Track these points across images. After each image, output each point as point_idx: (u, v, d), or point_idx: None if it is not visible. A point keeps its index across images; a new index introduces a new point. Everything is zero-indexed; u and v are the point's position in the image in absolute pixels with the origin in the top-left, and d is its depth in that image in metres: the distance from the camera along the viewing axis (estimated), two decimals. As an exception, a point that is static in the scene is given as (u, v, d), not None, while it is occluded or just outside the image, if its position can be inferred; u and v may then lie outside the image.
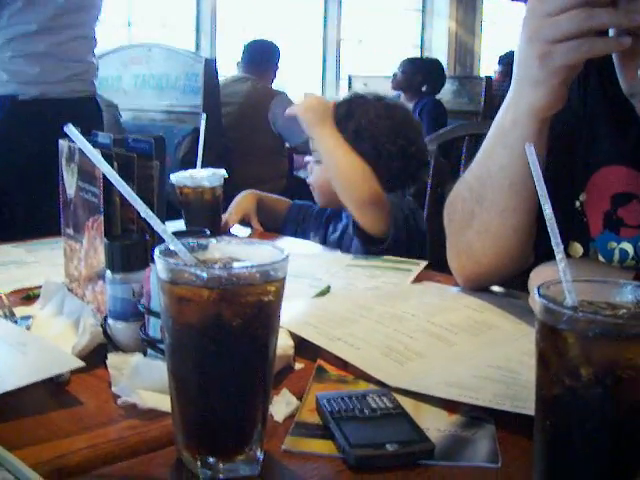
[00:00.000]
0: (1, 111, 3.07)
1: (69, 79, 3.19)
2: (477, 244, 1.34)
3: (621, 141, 1.29)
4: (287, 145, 4.84)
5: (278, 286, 0.75)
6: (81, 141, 0.82)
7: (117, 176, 0.81)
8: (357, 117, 2.09)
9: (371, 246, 1.87)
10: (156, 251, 0.75)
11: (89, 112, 3.28)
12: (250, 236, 2.11)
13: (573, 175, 1.32)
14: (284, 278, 0.76)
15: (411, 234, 1.92)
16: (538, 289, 0.70)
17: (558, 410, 0.69)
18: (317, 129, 1.99)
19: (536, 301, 0.69)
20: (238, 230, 2.15)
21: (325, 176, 2.09)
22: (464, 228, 1.36)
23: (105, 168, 0.82)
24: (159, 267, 0.74)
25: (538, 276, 1.19)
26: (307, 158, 2.23)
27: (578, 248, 1.33)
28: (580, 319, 0.66)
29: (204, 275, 0.72)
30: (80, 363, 0.99)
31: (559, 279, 0.72)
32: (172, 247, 0.77)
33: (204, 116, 2.05)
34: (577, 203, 1.32)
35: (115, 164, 1.12)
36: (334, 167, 1.95)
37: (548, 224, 0.75)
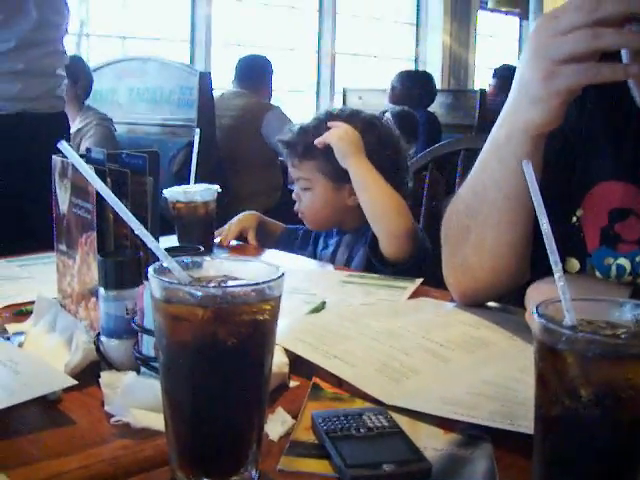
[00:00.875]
0: None
1: (46, 95, 3.27)
2: (473, 259, 1.33)
3: (619, 156, 1.28)
4: (281, 158, 4.83)
5: (274, 304, 0.74)
6: (74, 157, 0.82)
7: (110, 193, 0.80)
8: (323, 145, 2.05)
9: (388, 268, 1.85)
10: (150, 269, 0.74)
11: (62, 127, 3.39)
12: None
13: (570, 190, 1.32)
14: (280, 296, 0.75)
15: (426, 257, 1.90)
16: (537, 308, 0.69)
17: (558, 430, 0.68)
18: (352, 159, 1.97)
19: (535, 320, 0.69)
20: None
21: (314, 203, 2.09)
22: (460, 243, 1.35)
23: (98, 184, 0.81)
24: (153, 285, 0.73)
25: (535, 292, 1.19)
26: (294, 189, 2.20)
27: (575, 264, 1.32)
28: (579, 339, 0.65)
29: (198, 294, 0.71)
30: (72, 381, 0.97)
31: (558, 297, 0.71)
32: (166, 265, 0.76)
33: (198, 131, 2.04)
34: (574, 219, 1.32)
35: (108, 180, 1.11)
36: (369, 198, 1.93)
37: (546, 241, 0.74)
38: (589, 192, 1.30)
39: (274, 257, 1.86)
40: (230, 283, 0.77)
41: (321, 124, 2.09)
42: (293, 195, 2.18)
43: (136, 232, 0.78)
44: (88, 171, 0.81)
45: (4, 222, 3.13)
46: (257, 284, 0.73)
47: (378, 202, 1.92)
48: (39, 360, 1.06)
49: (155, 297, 0.74)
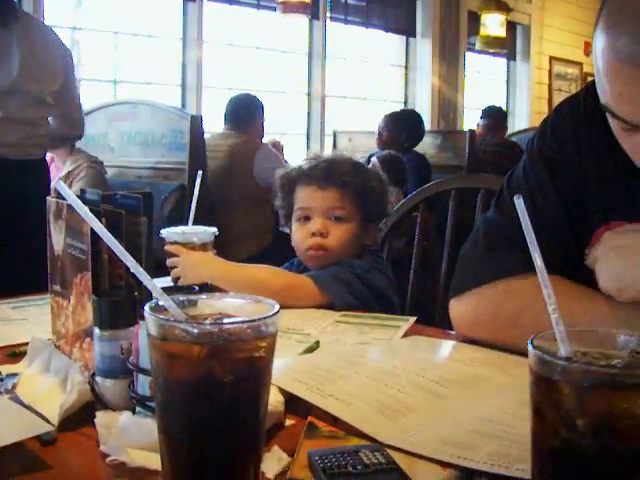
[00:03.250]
0: None
1: (24, 142, 3.35)
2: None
3: (629, 197, 1.29)
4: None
5: (269, 341, 0.74)
6: (71, 198, 0.82)
7: (107, 232, 0.81)
8: (362, 179, 2.02)
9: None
10: (146, 307, 0.74)
11: (41, 174, 3.51)
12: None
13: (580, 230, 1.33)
14: (276, 333, 0.75)
15: (360, 295, 1.84)
16: (531, 340, 0.70)
17: (555, 462, 0.68)
18: (215, 275, 1.84)
19: (529, 353, 0.69)
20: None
21: (346, 238, 2.01)
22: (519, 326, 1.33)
23: (95, 224, 0.81)
24: (149, 323, 0.73)
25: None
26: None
27: None
28: (575, 370, 0.66)
29: (195, 331, 0.71)
30: (49, 427, 0.97)
31: (552, 329, 0.72)
32: (162, 303, 0.76)
33: (200, 173, 2.03)
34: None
35: (103, 220, 1.11)
36: (243, 289, 1.70)
37: (540, 276, 0.74)
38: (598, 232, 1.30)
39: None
40: (226, 320, 0.77)
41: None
42: (319, 227, 2.00)
43: (132, 271, 0.78)
44: (85, 211, 0.82)
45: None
46: (253, 321, 0.73)
47: (250, 285, 1.81)
48: (17, 406, 1.05)
49: (151, 335, 0.74)
